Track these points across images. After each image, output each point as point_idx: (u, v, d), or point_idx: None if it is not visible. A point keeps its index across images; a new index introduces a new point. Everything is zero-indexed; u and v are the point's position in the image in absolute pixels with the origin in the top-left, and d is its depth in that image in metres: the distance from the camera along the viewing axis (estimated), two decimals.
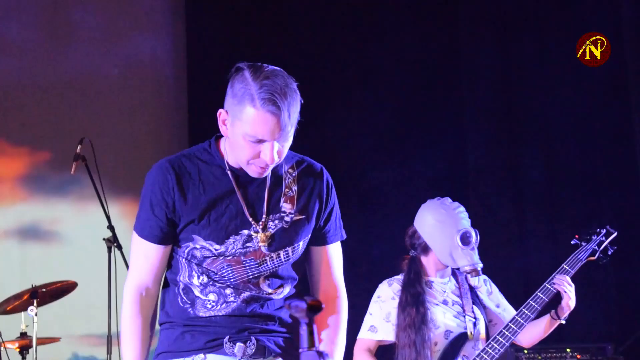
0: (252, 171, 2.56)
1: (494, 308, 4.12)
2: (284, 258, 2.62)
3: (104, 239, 5.40)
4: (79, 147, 5.35)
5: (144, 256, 2.64)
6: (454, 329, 3.94)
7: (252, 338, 2.60)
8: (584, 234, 4.05)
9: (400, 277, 4.09)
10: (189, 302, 2.63)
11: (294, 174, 2.68)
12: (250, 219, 2.58)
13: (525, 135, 6.85)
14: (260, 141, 2.47)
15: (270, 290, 2.63)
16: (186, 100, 7.11)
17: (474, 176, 6.85)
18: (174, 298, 2.66)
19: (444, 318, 3.95)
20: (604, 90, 6.52)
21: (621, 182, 6.48)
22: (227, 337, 2.59)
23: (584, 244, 4.00)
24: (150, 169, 2.64)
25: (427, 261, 4.05)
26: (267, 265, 2.61)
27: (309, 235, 2.69)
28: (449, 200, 4.03)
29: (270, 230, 2.60)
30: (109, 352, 5.31)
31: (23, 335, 5.36)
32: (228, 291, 2.60)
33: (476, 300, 4.06)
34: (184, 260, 2.62)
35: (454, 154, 6.89)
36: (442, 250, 3.93)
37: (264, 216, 2.60)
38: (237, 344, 2.59)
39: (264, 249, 2.59)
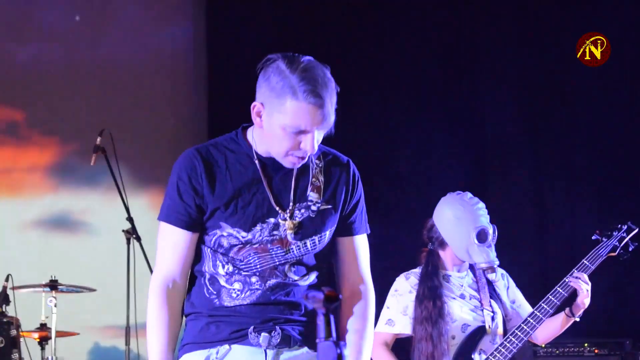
0: (288, 162, 2.57)
1: (509, 303, 4.11)
2: (311, 247, 2.62)
3: (123, 231, 5.43)
4: (98, 139, 5.38)
5: (172, 246, 2.63)
6: (471, 322, 3.93)
7: (277, 328, 2.59)
8: (605, 229, 4.03)
9: (417, 270, 4.09)
10: (214, 292, 2.62)
11: (320, 165, 2.69)
12: (277, 208, 2.59)
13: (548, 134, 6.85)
14: (302, 132, 2.49)
15: (296, 278, 2.62)
16: (207, 92, 7.13)
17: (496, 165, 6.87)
18: (199, 289, 2.65)
19: (461, 312, 3.94)
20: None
21: None
22: (251, 328, 2.58)
23: (604, 239, 3.98)
24: (178, 157, 2.65)
25: (444, 255, 4.05)
26: (294, 253, 2.60)
27: (335, 226, 2.69)
28: (469, 195, 4.03)
29: (297, 218, 2.61)
30: (127, 343, 5.35)
31: (42, 326, 5.41)
32: (253, 279, 2.59)
33: (494, 294, 4.06)
34: (209, 250, 2.63)
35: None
36: (458, 245, 3.93)
37: (290, 204, 2.61)
38: (262, 334, 2.58)
39: (290, 237, 2.59)
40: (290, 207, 2.61)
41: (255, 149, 2.63)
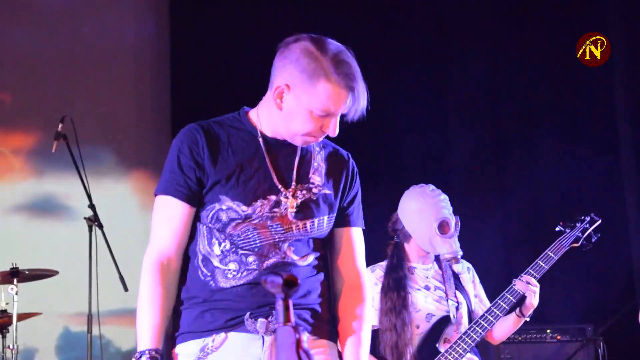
0: (300, 141, 2.58)
1: (472, 296, 4.15)
2: (310, 228, 2.59)
3: (84, 218, 5.37)
4: (60, 126, 5.31)
5: (168, 219, 2.56)
6: (435, 312, 3.98)
7: (274, 313, 2.52)
8: (568, 220, 4.07)
9: (383, 263, 4.13)
10: (209, 273, 2.56)
11: (322, 153, 2.70)
12: (279, 185, 2.58)
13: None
14: (328, 115, 2.50)
15: (295, 257, 2.58)
16: (169, 81, 7.10)
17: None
18: (193, 272, 2.59)
19: (425, 302, 3.98)
20: (590, 86, 6.58)
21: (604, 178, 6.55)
22: (247, 314, 2.52)
23: (567, 230, 4.02)
24: (180, 131, 2.62)
25: (409, 248, 4.09)
26: (293, 233, 2.57)
27: (335, 214, 2.67)
28: (431, 187, 4.06)
29: (299, 198, 2.59)
30: (89, 331, 5.30)
31: (3, 312, 5.33)
32: (250, 259, 2.54)
33: (459, 285, 4.10)
34: (204, 228, 2.57)
35: None
36: (422, 237, 3.97)
37: (293, 184, 2.60)
38: (259, 320, 2.52)
39: (290, 216, 2.56)
40: (292, 186, 2.59)
41: (259, 128, 2.61)
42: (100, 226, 5.26)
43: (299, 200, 2.58)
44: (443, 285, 4.03)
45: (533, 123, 6.76)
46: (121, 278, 5.17)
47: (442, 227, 3.93)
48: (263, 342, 2.53)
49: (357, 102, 2.51)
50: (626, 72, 6.43)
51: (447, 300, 4.00)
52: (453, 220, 3.96)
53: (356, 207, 2.76)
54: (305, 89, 2.48)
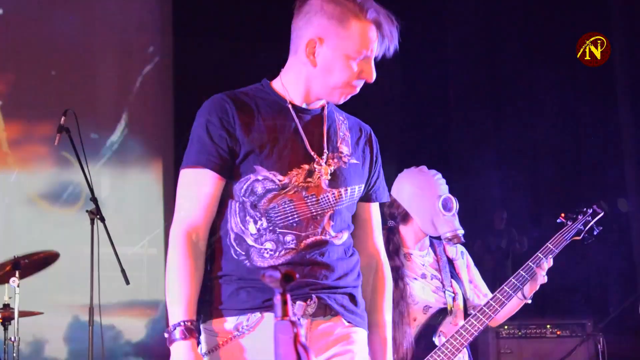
0: (339, 95, 2.55)
1: (467, 283, 4.11)
2: (344, 196, 2.56)
3: (87, 211, 5.39)
4: (62, 119, 5.33)
5: (196, 192, 2.46)
6: (432, 304, 3.91)
7: (313, 296, 2.46)
8: (570, 212, 4.03)
9: None
10: (243, 252, 2.48)
11: (347, 124, 2.68)
12: (312, 153, 2.53)
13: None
14: (365, 58, 2.49)
15: (333, 233, 2.53)
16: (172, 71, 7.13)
17: None
18: (226, 249, 2.50)
19: (423, 293, 3.92)
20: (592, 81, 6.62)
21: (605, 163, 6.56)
22: None
23: (569, 222, 3.96)
24: (205, 102, 2.57)
25: (406, 231, 4.00)
26: (328, 201, 2.52)
27: (364, 184, 2.65)
28: (426, 168, 4.03)
29: (332, 166, 2.55)
30: (90, 323, 5.31)
31: (5, 307, 5.34)
32: (288, 238, 2.47)
33: (454, 273, 4.06)
34: (237, 204, 2.49)
35: None
36: (423, 217, 3.90)
37: (325, 151, 2.56)
38: (297, 302, 2.45)
39: (324, 185, 2.52)
40: (325, 154, 2.55)
41: (287, 97, 2.57)
42: (102, 219, 5.28)
43: (332, 168, 2.54)
44: (439, 274, 3.99)
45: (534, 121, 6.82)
46: (123, 272, 5.19)
47: (446, 204, 3.88)
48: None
49: (391, 36, 2.51)
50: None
51: (444, 291, 3.95)
52: (453, 198, 3.93)
53: (381, 181, 2.74)
54: (339, 33, 2.47)
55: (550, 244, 3.92)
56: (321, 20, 2.48)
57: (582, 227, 3.95)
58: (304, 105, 2.58)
